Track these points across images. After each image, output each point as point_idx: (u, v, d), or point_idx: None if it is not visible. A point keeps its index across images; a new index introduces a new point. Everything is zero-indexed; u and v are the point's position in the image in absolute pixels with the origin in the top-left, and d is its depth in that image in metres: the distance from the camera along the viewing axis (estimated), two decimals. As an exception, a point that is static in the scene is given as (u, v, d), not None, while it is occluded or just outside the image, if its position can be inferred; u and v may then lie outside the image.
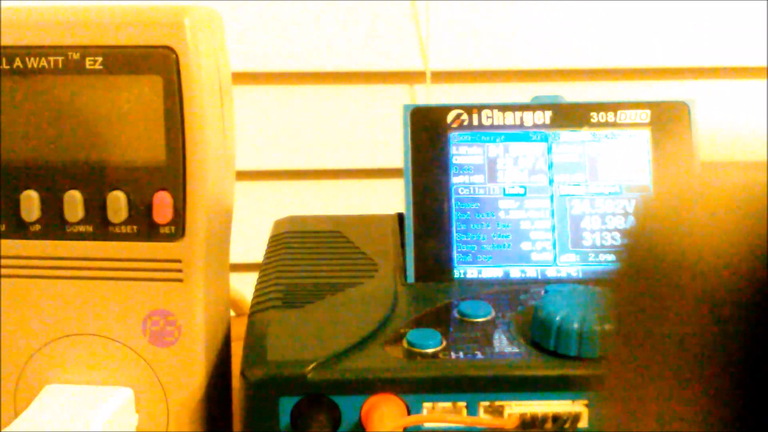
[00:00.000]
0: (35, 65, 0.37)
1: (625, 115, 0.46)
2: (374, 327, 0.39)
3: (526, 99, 0.47)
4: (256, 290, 0.44)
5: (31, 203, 0.38)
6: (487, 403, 0.36)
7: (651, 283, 0.16)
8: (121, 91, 0.37)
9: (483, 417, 0.36)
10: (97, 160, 0.38)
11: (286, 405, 0.36)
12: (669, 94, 0.65)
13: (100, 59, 0.37)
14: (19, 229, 0.39)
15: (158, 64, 0.37)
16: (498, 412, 0.36)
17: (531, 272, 0.45)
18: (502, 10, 0.68)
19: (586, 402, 0.36)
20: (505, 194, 0.46)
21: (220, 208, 0.41)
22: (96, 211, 0.38)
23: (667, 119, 0.46)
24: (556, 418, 0.35)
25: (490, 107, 0.46)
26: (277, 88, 0.69)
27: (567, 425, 0.35)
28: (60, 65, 0.37)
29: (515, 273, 0.45)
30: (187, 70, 0.37)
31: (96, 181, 0.38)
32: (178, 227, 0.38)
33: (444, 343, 0.37)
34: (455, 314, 0.40)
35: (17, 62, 0.38)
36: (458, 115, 0.46)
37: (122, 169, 0.38)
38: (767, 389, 0.14)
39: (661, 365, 0.16)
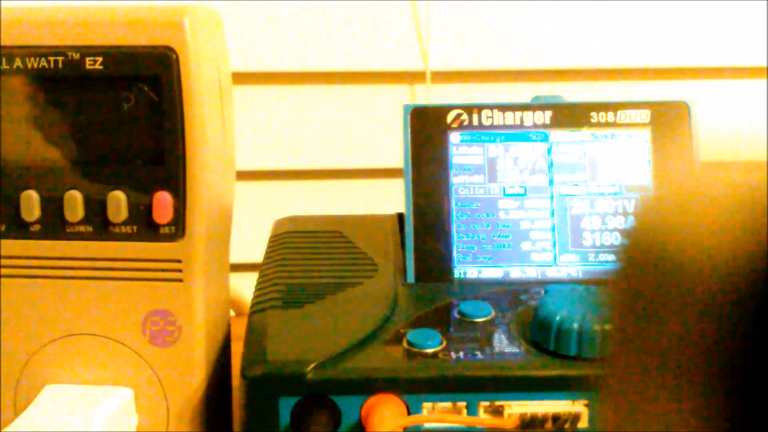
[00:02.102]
0: (35, 65, 0.37)
1: (625, 115, 0.46)
2: (374, 327, 0.39)
3: (526, 99, 0.47)
4: (256, 290, 0.44)
5: (31, 203, 0.38)
6: (487, 403, 0.36)
7: (651, 283, 0.16)
8: (121, 91, 0.37)
9: (483, 417, 0.36)
10: (97, 160, 0.38)
11: (286, 405, 0.36)
12: (669, 94, 0.65)
13: (100, 59, 0.37)
14: (19, 229, 0.39)
15: (158, 64, 0.37)
16: (498, 412, 0.36)
17: (531, 272, 0.45)
18: (502, 10, 0.68)
19: (586, 402, 0.36)
20: (505, 194, 0.46)
21: (220, 208, 0.41)
22: (96, 211, 0.38)
23: (667, 119, 0.46)
24: (556, 418, 0.35)
25: (490, 107, 0.46)
26: (277, 88, 0.69)
27: (567, 425, 0.35)
28: (60, 65, 0.37)
29: (515, 273, 0.45)
30: (187, 70, 0.37)
31: (96, 181, 0.38)
32: (178, 227, 0.38)
33: (444, 343, 0.37)
34: (455, 314, 0.40)
35: (17, 62, 0.38)
36: (458, 115, 0.46)
37: (122, 169, 0.38)
38: (767, 390, 0.14)
39: (660, 365, 0.16)
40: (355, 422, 0.36)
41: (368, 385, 0.36)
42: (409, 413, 0.35)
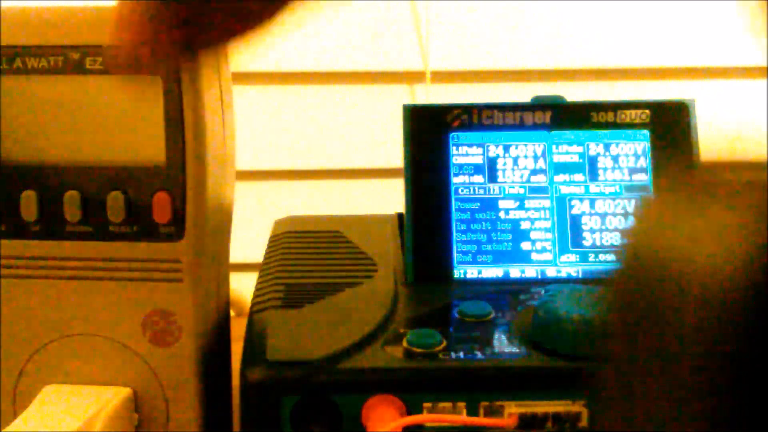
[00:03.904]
0: (35, 65, 0.37)
1: (625, 115, 0.46)
2: (374, 327, 0.39)
3: (526, 99, 0.47)
4: (256, 290, 0.44)
5: (30, 203, 0.38)
6: (487, 403, 0.36)
7: (650, 283, 0.16)
8: (121, 91, 0.37)
9: (483, 417, 0.36)
10: (97, 160, 0.38)
11: (287, 405, 0.36)
12: (669, 94, 0.65)
13: (100, 59, 0.37)
14: (19, 229, 0.39)
15: (158, 64, 0.37)
16: (498, 412, 0.36)
17: (531, 272, 0.45)
18: (502, 10, 0.68)
19: (586, 402, 0.36)
20: (505, 194, 0.46)
21: (220, 208, 0.41)
22: (95, 211, 0.38)
23: (667, 119, 0.46)
24: (556, 418, 0.35)
25: (490, 107, 0.46)
26: (277, 88, 0.69)
27: (567, 425, 0.35)
28: (60, 65, 0.37)
29: (515, 273, 0.45)
30: (187, 70, 0.37)
31: (96, 181, 0.38)
32: (177, 227, 0.38)
33: (444, 343, 0.37)
34: (455, 314, 0.40)
35: (17, 62, 0.38)
36: (458, 115, 0.46)
37: (122, 169, 0.38)
38: (766, 390, 0.14)
39: (659, 365, 0.16)
40: (356, 422, 0.36)
41: (368, 385, 0.36)
42: (409, 413, 0.35)
